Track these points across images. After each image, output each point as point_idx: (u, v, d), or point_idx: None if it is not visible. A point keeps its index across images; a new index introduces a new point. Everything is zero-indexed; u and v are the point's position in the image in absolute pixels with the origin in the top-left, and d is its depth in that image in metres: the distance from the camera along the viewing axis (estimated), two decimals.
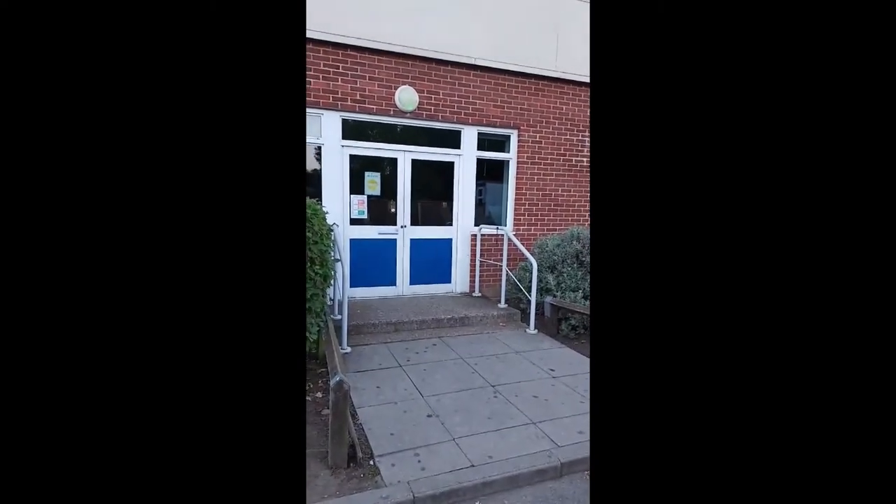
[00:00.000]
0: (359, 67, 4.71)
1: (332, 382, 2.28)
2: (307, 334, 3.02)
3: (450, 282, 5.58)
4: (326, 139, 4.75)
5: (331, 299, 4.35)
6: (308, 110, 4.62)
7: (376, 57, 4.75)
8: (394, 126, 5.07)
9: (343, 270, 3.78)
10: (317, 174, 4.84)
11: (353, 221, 5.03)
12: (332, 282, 3.71)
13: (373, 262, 5.17)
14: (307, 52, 4.50)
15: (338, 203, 4.85)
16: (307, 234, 3.02)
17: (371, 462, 2.34)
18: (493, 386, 3.28)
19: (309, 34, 4.43)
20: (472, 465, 2.32)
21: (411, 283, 5.38)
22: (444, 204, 5.49)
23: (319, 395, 3.09)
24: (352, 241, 5.03)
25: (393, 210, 5.22)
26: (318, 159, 4.83)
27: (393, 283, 5.31)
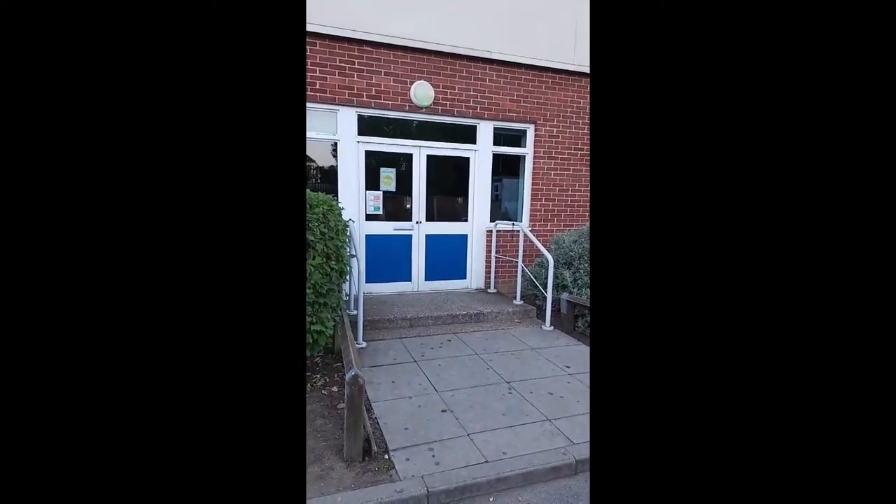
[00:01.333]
0: (374, 63, 4.72)
1: (347, 377, 2.30)
2: (323, 329, 3.05)
3: (465, 278, 5.58)
4: (342, 135, 4.78)
5: (346, 294, 4.39)
6: (324, 106, 4.65)
7: (392, 52, 4.75)
8: (409, 121, 5.07)
9: (359, 266, 3.80)
10: (333, 170, 4.88)
11: (369, 217, 5.05)
12: (347, 277, 3.74)
13: (388, 258, 5.19)
14: (323, 49, 4.53)
15: (353, 199, 4.88)
16: (323, 229, 3.05)
17: (386, 456, 2.36)
18: (507, 382, 3.27)
19: (324, 30, 4.45)
20: (487, 461, 2.32)
21: (426, 278, 5.39)
22: (460, 200, 5.48)
23: (335, 388, 3.12)
24: (367, 236, 5.06)
25: (408, 206, 5.23)
26: (335, 155, 4.87)
27: (408, 278, 5.32)
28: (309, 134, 4.69)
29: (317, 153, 4.88)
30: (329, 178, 4.89)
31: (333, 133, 4.77)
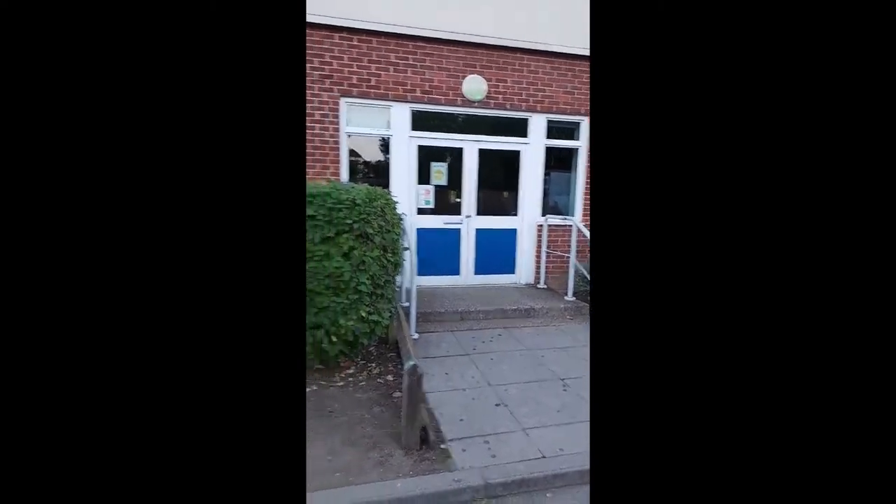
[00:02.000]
0: (428, 58, 4.75)
1: (406, 366, 2.35)
2: (380, 319, 3.13)
3: (514, 272, 5.53)
4: (395, 130, 4.86)
5: (398, 286, 4.48)
6: (376, 102, 4.75)
7: (445, 47, 4.76)
8: (461, 116, 5.07)
9: (412, 258, 3.87)
10: (381, 165, 4.97)
11: (420, 211, 5.12)
12: (401, 269, 3.81)
13: (437, 251, 5.24)
14: (379, 46, 4.61)
15: (405, 193, 4.96)
16: (381, 222, 3.12)
17: (442, 446, 2.40)
18: (561, 379, 3.23)
19: (379, 27, 4.53)
20: (543, 457, 2.30)
21: (475, 272, 5.40)
22: (510, 194, 5.43)
23: (390, 377, 3.20)
24: (418, 230, 5.13)
25: (458, 200, 5.25)
26: (384, 150, 4.96)
27: (457, 272, 5.35)
28: (362, 130, 4.81)
29: (368, 148, 4.99)
30: (379, 173, 4.99)
31: (387, 129, 4.86)
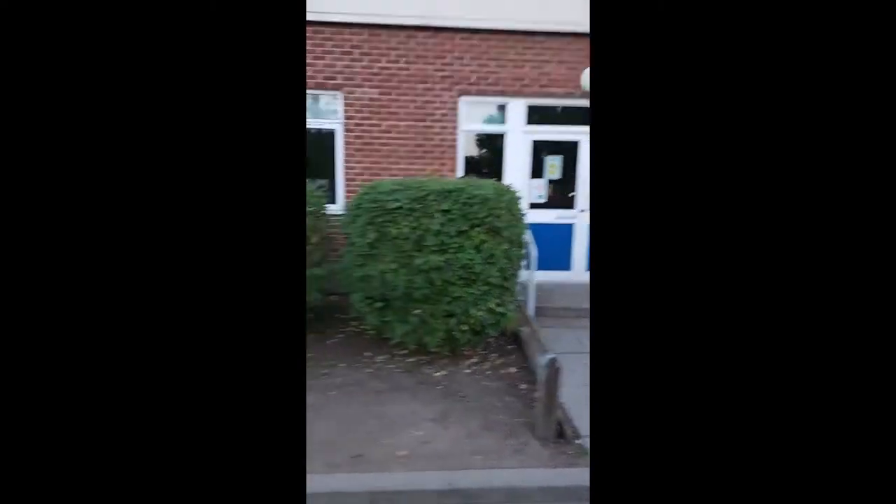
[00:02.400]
0: (546, 52, 4.70)
1: (546, 359, 2.39)
2: (505, 311, 3.21)
3: None
4: (510, 125, 4.90)
5: None
6: (493, 99, 4.82)
7: (564, 39, 4.67)
8: (578, 108, 4.95)
9: (532, 253, 3.88)
10: (494, 160, 5.03)
11: (532, 206, 5.10)
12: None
13: (549, 246, 5.18)
14: (498, 44, 4.67)
15: (519, 187, 4.97)
16: (509, 217, 3.19)
17: (577, 441, 2.40)
18: None
19: (499, 25, 4.59)
20: None
21: (588, 269, 5.25)
22: None
23: (513, 369, 3.27)
24: (530, 224, 5.12)
25: (572, 194, 5.14)
26: (498, 145, 5.01)
27: (568, 267, 5.25)
28: (478, 126, 4.93)
29: (483, 144, 5.09)
30: (493, 168, 5.06)
31: (502, 124, 4.91)
